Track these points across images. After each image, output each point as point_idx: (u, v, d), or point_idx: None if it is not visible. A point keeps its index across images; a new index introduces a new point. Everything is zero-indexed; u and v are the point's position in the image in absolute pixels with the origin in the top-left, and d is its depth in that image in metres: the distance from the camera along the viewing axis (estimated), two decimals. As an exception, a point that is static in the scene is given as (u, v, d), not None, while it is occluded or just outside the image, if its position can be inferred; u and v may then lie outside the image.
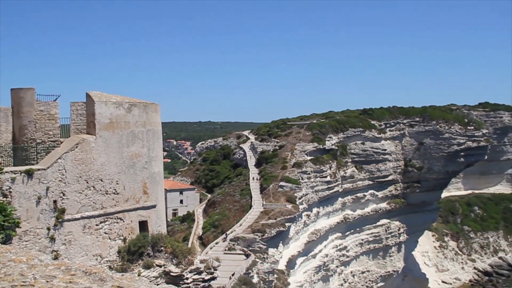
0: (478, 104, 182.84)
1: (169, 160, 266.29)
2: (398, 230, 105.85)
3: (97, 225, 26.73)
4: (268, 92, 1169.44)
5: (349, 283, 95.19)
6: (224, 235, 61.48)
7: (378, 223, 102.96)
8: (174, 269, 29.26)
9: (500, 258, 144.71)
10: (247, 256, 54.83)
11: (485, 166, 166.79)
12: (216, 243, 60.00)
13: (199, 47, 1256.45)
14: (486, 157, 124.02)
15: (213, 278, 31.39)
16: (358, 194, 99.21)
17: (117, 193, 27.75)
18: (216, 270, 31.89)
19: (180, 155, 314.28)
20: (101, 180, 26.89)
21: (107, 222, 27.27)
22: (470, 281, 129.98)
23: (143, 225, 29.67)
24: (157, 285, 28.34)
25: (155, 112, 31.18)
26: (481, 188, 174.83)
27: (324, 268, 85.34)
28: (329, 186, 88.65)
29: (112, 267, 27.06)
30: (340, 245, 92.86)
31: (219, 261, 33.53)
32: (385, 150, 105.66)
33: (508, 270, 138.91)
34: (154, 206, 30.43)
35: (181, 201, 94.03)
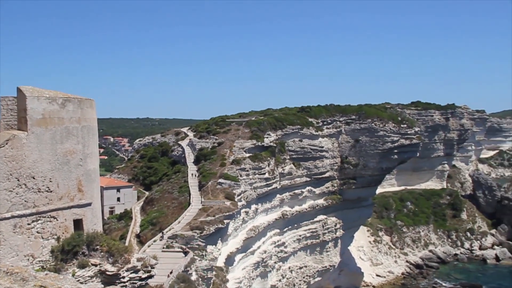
0: (411, 103, 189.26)
1: (106, 157, 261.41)
2: (335, 225, 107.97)
3: (28, 224, 25.91)
4: (207, 89, 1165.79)
5: (287, 278, 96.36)
6: (160, 234, 60.84)
7: (315, 219, 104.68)
8: (110, 268, 28.76)
9: (430, 251, 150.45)
10: (186, 253, 54.51)
11: (417, 162, 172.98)
12: (154, 241, 59.33)
13: (136, 42, 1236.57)
14: (418, 154, 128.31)
15: (151, 277, 31.08)
16: (296, 191, 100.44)
17: (50, 191, 26.99)
18: (153, 268, 31.59)
19: (117, 152, 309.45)
20: (33, 178, 26.08)
21: (39, 221, 26.49)
22: (402, 273, 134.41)
23: (78, 223, 29.01)
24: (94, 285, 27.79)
25: (91, 108, 30.51)
26: (413, 184, 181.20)
27: (263, 264, 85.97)
28: (268, 183, 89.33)
29: (44, 267, 26.32)
30: (278, 241, 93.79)
31: (156, 259, 33.18)
32: (322, 147, 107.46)
33: (437, 262, 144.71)
34: (89, 204, 29.81)
35: (118, 199, 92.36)
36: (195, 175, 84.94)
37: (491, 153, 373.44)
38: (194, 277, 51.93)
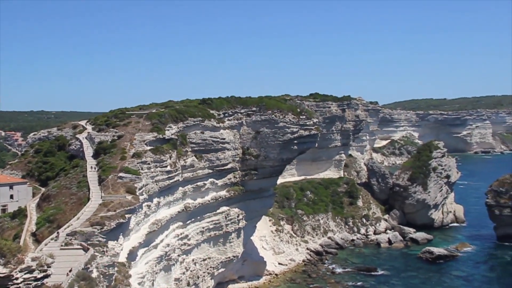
0: (309, 95, 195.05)
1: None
2: (238, 216, 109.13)
3: None
4: (106, 81, 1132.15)
5: (191, 271, 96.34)
6: (56, 233, 58.57)
7: (218, 211, 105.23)
8: (1, 270, 27.43)
9: (329, 238, 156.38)
10: (86, 250, 52.97)
11: (316, 153, 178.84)
12: (52, 239, 57.08)
13: (30, 32, 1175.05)
14: (316, 144, 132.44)
15: (47, 276, 29.98)
16: (198, 183, 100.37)
17: None
18: (50, 267, 30.50)
19: (9, 147, 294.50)
20: None
21: None
22: (303, 261, 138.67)
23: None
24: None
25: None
26: (312, 174, 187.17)
27: (166, 257, 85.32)
28: (170, 175, 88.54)
29: None
30: (181, 234, 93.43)
31: (53, 258, 32.05)
32: (224, 139, 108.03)
33: (336, 248, 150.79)
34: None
35: (12, 196, 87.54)
36: (94, 168, 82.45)
37: (384, 142, 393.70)
38: (95, 274, 50.61)
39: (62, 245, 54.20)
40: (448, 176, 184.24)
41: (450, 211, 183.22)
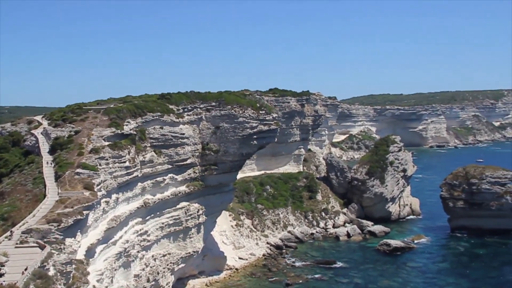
0: (268, 90, 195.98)
1: None
2: (197, 212, 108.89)
3: None
4: (62, 75, 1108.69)
5: (151, 267, 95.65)
6: (10, 231, 57.20)
7: (178, 206, 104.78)
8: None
9: (289, 232, 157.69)
10: (42, 248, 51.93)
11: (276, 148, 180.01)
12: (6, 238, 55.71)
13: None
14: (276, 139, 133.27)
15: (1, 275, 29.32)
16: (157, 178, 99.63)
17: None
18: (4, 266, 29.83)
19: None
20: None
21: None
22: (263, 255, 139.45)
23: None
24: None
25: None
26: (272, 169, 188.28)
27: (125, 254, 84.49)
28: (128, 171, 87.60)
29: None
30: (140, 230, 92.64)
31: (7, 256, 31.33)
32: (184, 134, 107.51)
33: (296, 242, 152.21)
34: None
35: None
36: (51, 164, 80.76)
37: (342, 137, 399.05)
38: (52, 272, 49.71)
39: (17, 243, 52.99)
40: (404, 170, 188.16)
41: (407, 204, 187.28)
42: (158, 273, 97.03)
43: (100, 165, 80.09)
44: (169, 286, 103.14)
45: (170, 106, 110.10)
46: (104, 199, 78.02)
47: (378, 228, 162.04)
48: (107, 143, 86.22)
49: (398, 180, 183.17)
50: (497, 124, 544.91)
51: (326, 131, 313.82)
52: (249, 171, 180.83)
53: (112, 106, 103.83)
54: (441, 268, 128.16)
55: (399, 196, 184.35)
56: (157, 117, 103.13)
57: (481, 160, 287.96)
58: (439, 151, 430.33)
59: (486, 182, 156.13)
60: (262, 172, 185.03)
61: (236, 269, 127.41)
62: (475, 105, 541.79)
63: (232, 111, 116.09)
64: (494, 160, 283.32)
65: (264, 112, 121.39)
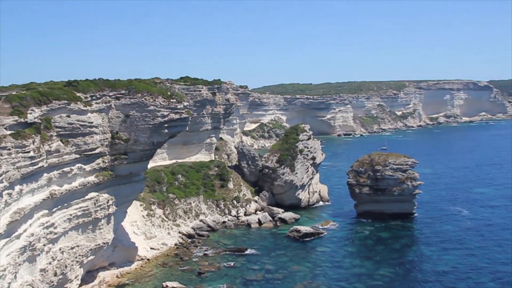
0: (180, 78, 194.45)
1: None
2: (107, 202, 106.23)
3: None
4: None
5: (58, 260, 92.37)
6: None
7: (86, 197, 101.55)
8: None
9: (201, 220, 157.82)
10: None
11: (187, 136, 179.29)
12: None
13: None
14: (187, 128, 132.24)
15: None
16: (65, 169, 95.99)
17: None
18: None
19: None
20: None
21: None
22: (175, 244, 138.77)
23: None
24: None
25: None
26: (183, 157, 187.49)
27: (30, 248, 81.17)
28: (33, 161, 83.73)
29: None
30: (47, 222, 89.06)
31: None
32: (92, 123, 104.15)
33: (208, 231, 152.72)
34: None
35: None
36: None
37: (253, 125, 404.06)
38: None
39: None
40: (314, 158, 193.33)
41: (316, 191, 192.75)
42: (66, 267, 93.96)
43: (2, 155, 76.10)
44: (77, 279, 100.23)
45: (78, 94, 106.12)
46: (6, 191, 74.41)
47: (288, 215, 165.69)
48: (9, 132, 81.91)
49: (307, 168, 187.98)
50: (399, 113, 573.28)
51: (238, 120, 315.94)
52: (160, 160, 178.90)
53: (14, 93, 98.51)
54: (348, 252, 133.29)
55: (309, 183, 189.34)
56: (64, 105, 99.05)
57: (385, 148, 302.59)
58: (346, 139, 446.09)
59: (389, 168, 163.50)
60: (174, 161, 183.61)
61: (148, 259, 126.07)
62: (380, 95, 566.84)
63: (143, 99, 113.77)
64: (397, 148, 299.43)
65: (175, 100, 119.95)
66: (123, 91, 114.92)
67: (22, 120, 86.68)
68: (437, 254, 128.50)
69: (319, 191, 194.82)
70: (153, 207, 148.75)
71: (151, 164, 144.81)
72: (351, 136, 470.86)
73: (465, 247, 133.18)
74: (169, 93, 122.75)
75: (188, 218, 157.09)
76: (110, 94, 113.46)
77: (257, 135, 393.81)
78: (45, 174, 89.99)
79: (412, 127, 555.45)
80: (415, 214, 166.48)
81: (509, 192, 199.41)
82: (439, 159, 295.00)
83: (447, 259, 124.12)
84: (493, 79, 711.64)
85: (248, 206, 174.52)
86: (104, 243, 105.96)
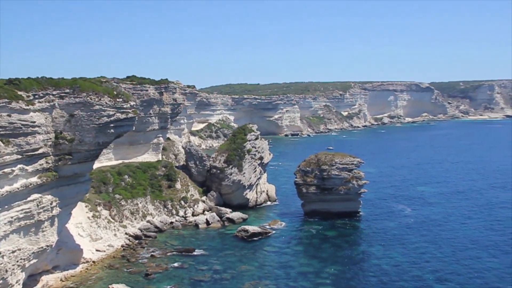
0: (126, 77, 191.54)
1: None
2: (51, 204, 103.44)
3: None
4: None
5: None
6: None
7: (29, 199, 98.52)
8: None
9: (148, 221, 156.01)
10: None
11: (134, 136, 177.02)
12: None
13: None
14: (134, 128, 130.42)
15: None
16: (5, 170, 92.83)
17: None
18: None
19: None
20: None
21: None
22: (122, 246, 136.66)
23: None
24: None
25: None
26: (130, 158, 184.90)
27: (-32, 252, 78.16)
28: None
29: None
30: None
31: None
32: (34, 122, 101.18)
33: (155, 232, 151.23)
34: None
35: None
36: None
37: (201, 125, 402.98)
38: None
39: None
40: (261, 158, 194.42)
41: (263, 191, 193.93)
42: (6, 271, 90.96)
43: None
44: (19, 284, 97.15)
45: (19, 93, 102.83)
46: None
47: (236, 215, 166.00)
48: None
49: (255, 168, 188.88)
50: (345, 113, 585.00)
51: (185, 120, 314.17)
52: (106, 160, 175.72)
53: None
54: (295, 251, 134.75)
55: (256, 183, 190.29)
56: (4, 104, 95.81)
57: (331, 148, 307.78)
58: (293, 139, 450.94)
59: (335, 168, 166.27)
60: (120, 161, 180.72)
61: (93, 261, 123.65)
62: (326, 96, 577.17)
63: (88, 98, 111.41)
64: (343, 148, 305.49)
65: (121, 100, 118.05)
66: (67, 90, 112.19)
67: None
68: (381, 251, 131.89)
69: (267, 191, 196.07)
70: (99, 208, 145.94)
71: (96, 165, 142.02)
72: (298, 136, 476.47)
73: (407, 243, 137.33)
74: (115, 93, 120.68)
75: (135, 219, 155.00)
76: (54, 93, 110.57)
77: (204, 135, 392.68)
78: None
79: (358, 127, 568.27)
80: (361, 213, 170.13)
81: (445, 189, 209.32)
82: (383, 159, 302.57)
83: (391, 256, 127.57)
84: (434, 81, 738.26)
85: (195, 206, 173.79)
86: (47, 246, 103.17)
